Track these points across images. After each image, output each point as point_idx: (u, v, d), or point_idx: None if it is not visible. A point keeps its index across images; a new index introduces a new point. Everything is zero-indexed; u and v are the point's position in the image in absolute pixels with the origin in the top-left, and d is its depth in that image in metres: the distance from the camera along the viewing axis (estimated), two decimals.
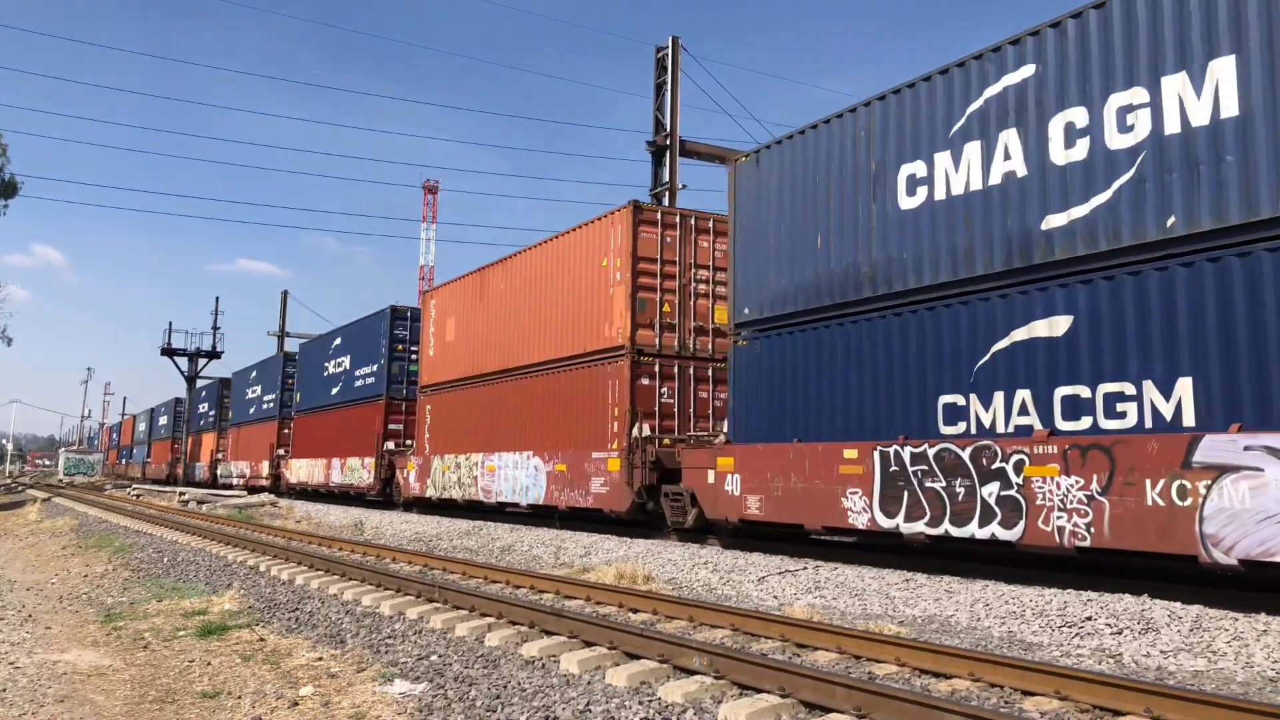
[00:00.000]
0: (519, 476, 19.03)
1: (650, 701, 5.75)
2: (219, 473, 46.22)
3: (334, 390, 31.42)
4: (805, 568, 11.44)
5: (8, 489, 55.76)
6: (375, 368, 28.02)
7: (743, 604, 9.79)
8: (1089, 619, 7.99)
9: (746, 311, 13.74)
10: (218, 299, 57.12)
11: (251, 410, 41.96)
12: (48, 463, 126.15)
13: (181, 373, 53.94)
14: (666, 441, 15.88)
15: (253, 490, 37.14)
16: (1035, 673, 5.85)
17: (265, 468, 38.03)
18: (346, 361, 30.70)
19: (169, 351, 53.57)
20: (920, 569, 11.02)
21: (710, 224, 17.38)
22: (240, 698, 6.20)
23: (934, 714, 4.88)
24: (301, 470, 33.58)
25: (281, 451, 36.86)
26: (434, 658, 7.19)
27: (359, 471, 27.91)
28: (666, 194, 23.13)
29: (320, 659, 7.30)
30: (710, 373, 16.94)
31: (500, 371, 20.46)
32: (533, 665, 6.82)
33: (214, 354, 53.97)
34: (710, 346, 17.03)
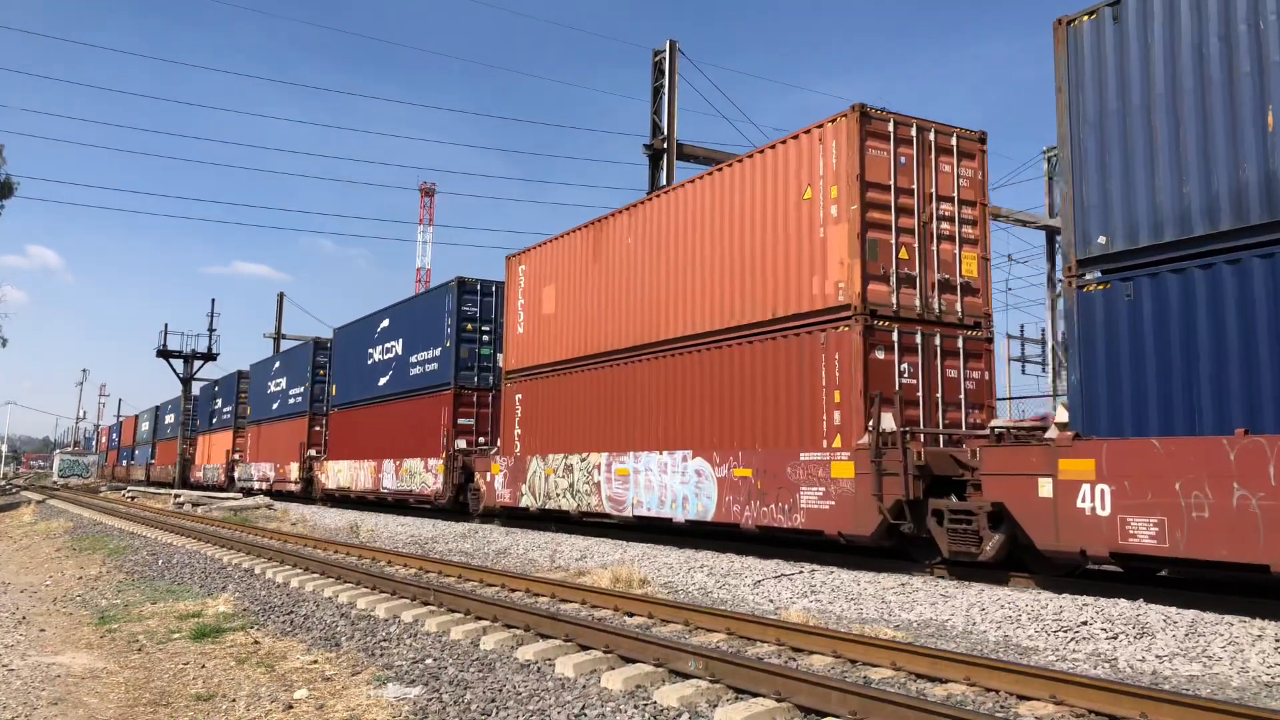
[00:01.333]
0: (670, 484, 14.84)
1: (646, 705, 5.75)
2: (237, 475, 41.83)
3: (382, 380, 27.02)
4: (801, 571, 11.43)
5: (2, 491, 55.62)
6: (438, 352, 23.64)
7: (738, 608, 9.78)
8: (1084, 623, 8.00)
9: (1102, 241, 9.60)
10: (214, 300, 57.05)
11: (275, 405, 37.32)
12: (42, 464, 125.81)
13: (177, 374, 53.77)
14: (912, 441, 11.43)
15: (280, 496, 33.88)
16: (1031, 677, 5.85)
17: (294, 470, 33.50)
18: (398, 346, 26.17)
19: (165, 353, 53.37)
20: (916, 573, 11.01)
21: (954, 141, 13.03)
22: (234, 701, 6.18)
23: (930, 718, 4.87)
24: (342, 474, 28.96)
25: (314, 452, 32.37)
26: (429, 661, 7.18)
27: (421, 475, 23.60)
28: None
29: (315, 662, 7.28)
30: (960, 344, 12.70)
31: (631, 349, 16.21)
32: (528, 669, 6.81)
33: (209, 356, 53.79)
34: (959, 307, 12.74)
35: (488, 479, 20.82)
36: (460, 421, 22.81)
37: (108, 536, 19.71)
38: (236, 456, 43.14)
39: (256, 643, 8.10)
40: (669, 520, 15.15)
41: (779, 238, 13.34)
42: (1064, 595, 9.10)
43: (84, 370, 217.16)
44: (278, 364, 38.54)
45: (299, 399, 34.77)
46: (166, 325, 53.63)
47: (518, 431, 19.91)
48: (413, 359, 25.26)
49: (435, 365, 23.87)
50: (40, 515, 28.40)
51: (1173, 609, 8.19)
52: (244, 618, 9.34)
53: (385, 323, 27.32)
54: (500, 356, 21.73)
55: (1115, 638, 7.61)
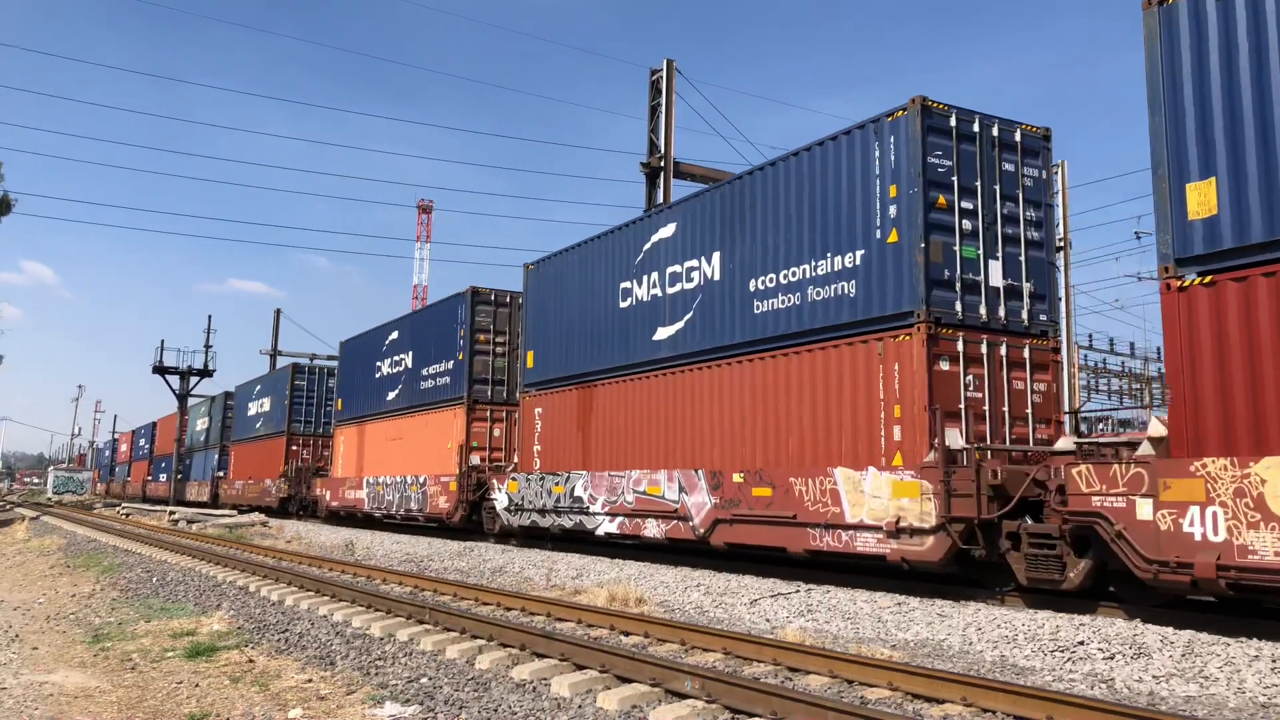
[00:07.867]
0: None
1: None
2: (514, 502, 19.05)
3: None
4: (798, 590, 11.40)
5: None
6: None
7: (735, 627, 9.75)
8: (1081, 643, 7.98)
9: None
10: (210, 317, 57.04)
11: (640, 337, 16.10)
12: (37, 481, 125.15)
13: (173, 391, 53.69)
14: None
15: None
16: (1028, 697, 5.83)
17: (905, 512, 10.66)
18: None
19: (161, 369, 53.24)
20: (913, 593, 11.00)
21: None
22: None
23: None
24: None
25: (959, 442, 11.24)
26: (424, 680, 7.15)
27: None
28: None
29: (310, 681, 7.25)
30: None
31: None
32: (524, 688, 6.79)
33: (206, 372, 53.70)
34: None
35: None
36: None
37: (101, 553, 19.62)
38: (478, 456, 21.93)
39: (251, 661, 8.06)
40: None
41: None
42: (1060, 615, 9.09)
43: (79, 386, 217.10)
44: (673, 227, 15.55)
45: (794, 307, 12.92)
46: (163, 342, 53.38)
47: None
48: None
49: None
50: (34, 532, 28.25)
51: (1169, 629, 8.19)
52: (238, 636, 9.29)
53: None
54: None
55: (1112, 658, 7.59)
